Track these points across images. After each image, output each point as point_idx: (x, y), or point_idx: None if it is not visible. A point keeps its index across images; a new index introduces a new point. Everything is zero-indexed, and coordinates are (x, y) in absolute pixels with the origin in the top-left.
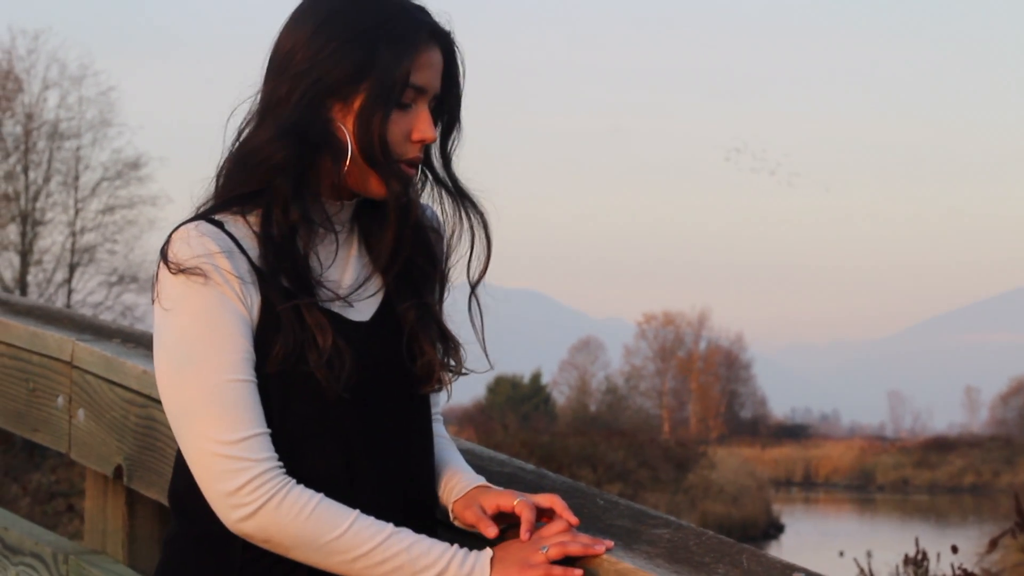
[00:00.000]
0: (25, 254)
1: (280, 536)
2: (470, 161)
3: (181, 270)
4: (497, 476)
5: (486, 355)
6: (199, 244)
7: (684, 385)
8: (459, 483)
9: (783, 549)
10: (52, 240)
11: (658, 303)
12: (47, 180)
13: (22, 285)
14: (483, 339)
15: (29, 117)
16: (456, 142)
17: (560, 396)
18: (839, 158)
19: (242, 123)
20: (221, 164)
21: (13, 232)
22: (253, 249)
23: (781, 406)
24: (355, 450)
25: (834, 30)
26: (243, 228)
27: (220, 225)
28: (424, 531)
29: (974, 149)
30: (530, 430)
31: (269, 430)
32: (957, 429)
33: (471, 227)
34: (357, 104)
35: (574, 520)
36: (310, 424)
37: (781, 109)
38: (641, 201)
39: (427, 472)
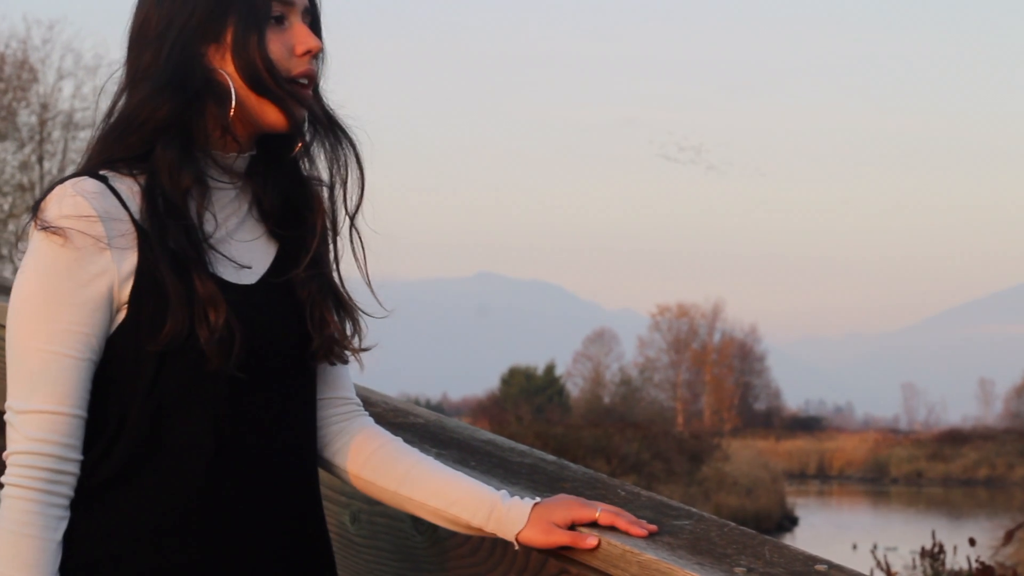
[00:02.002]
0: None
1: None
2: (489, 152)
3: (43, 228)
4: (518, 467)
5: (375, 297)
6: (70, 204)
7: (698, 377)
8: (507, 509)
9: (797, 542)
10: None
11: (672, 295)
12: (62, 170)
13: None
14: (368, 277)
15: (44, 107)
16: (321, 66)
17: (574, 388)
18: (852, 150)
19: (111, 102)
20: (92, 141)
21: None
22: (137, 208)
23: (795, 398)
24: (226, 420)
25: (862, 19)
26: (130, 183)
27: (104, 180)
28: (308, 506)
29: (989, 139)
30: (544, 422)
31: (73, 412)
32: (971, 422)
33: (344, 158)
34: (229, 37)
35: (643, 533)
36: (181, 393)
37: (794, 104)
38: (655, 192)
39: (310, 443)
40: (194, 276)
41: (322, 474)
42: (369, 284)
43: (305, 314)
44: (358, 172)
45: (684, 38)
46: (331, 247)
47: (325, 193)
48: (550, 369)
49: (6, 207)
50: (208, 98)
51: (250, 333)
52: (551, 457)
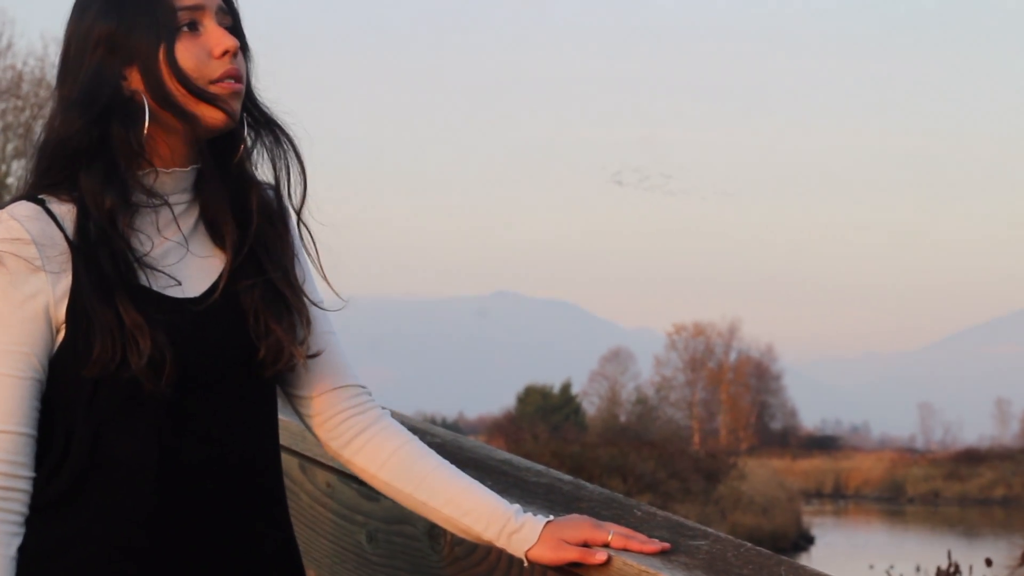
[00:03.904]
0: None
1: None
2: (506, 171)
3: None
4: (534, 486)
5: (332, 288)
6: (3, 229)
7: (714, 396)
8: (519, 526)
9: (813, 561)
10: None
11: (688, 314)
12: None
13: None
14: (322, 267)
15: None
16: (250, 65)
17: (590, 406)
18: (867, 170)
19: (44, 132)
20: (25, 171)
21: None
22: (73, 230)
23: (811, 417)
24: (169, 435)
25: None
26: (69, 206)
27: (42, 203)
28: (268, 519)
29: (1006, 158)
30: (560, 440)
31: (17, 430)
32: (988, 441)
33: (284, 155)
34: (140, 58)
35: (655, 549)
36: (120, 411)
37: (808, 125)
38: (672, 211)
39: (266, 455)
40: (119, 303)
41: (337, 493)
42: (324, 276)
43: (249, 323)
44: (298, 166)
45: (687, 60)
46: (281, 246)
47: (269, 195)
48: (566, 388)
49: None
50: (127, 119)
51: (185, 351)
52: (567, 477)
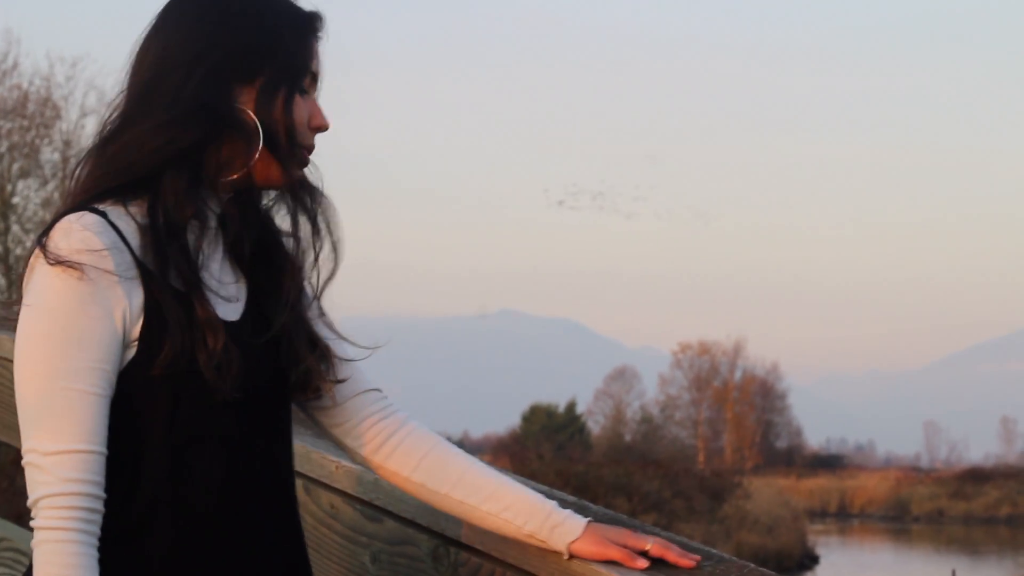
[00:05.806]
0: None
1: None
2: (511, 188)
3: (58, 262)
4: None
5: (355, 344)
6: (79, 238)
7: (719, 415)
8: (562, 521)
9: None
10: None
11: (693, 332)
12: None
13: None
14: (339, 332)
15: (67, 144)
16: None
17: (595, 425)
18: (872, 186)
19: (113, 126)
20: (81, 161)
21: None
22: (137, 242)
23: (816, 436)
24: (236, 453)
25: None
26: (127, 220)
27: (104, 215)
28: (293, 537)
29: (1015, 175)
30: (565, 459)
31: (100, 451)
32: (993, 460)
33: (317, 229)
34: (258, 85)
35: (690, 563)
36: (197, 426)
37: (814, 139)
38: (675, 228)
39: (292, 475)
40: (194, 302)
41: (341, 514)
42: (341, 336)
43: (281, 350)
44: (332, 253)
45: (689, 79)
46: (297, 286)
47: (291, 244)
48: (571, 407)
49: (28, 244)
50: (232, 134)
51: (244, 361)
52: (571, 498)
